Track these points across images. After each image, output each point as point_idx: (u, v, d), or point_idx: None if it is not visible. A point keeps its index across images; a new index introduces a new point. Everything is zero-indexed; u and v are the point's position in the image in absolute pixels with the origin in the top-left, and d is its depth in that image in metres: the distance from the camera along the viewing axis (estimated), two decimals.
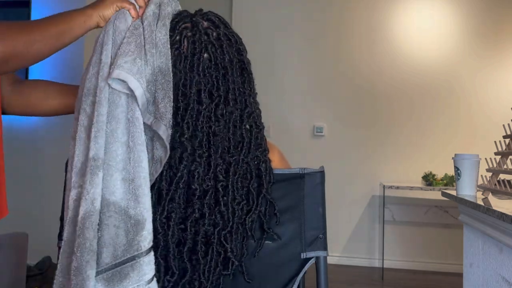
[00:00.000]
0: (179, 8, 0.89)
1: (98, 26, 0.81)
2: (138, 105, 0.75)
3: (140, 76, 0.74)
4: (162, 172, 0.78)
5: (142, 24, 0.80)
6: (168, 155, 0.76)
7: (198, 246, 0.78)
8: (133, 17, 0.80)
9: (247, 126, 0.85)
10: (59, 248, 0.90)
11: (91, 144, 0.71)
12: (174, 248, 0.77)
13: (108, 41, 0.77)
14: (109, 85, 0.74)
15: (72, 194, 0.73)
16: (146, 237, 0.72)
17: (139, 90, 0.74)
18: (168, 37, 0.81)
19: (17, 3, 3.28)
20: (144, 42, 0.78)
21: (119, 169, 0.73)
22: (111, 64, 0.75)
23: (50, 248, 2.54)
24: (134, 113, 0.75)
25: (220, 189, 0.79)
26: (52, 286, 0.73)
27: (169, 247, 0.77)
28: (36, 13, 3.24)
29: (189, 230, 0.77)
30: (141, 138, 0.74)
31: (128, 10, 0.80)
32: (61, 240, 0.89)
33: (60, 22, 0.76)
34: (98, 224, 0.70)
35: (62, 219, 0.90)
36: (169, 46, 0.81)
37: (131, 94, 0.75)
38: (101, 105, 0.73)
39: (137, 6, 0.82)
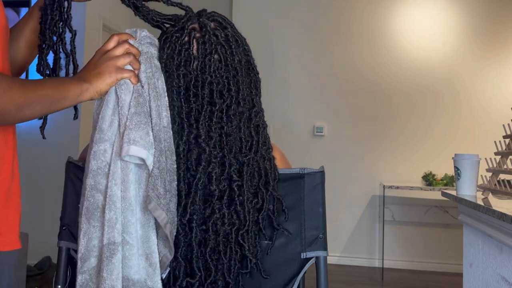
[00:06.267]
0: (156, 43, 0.85)
1: (91, 99, 0.78)
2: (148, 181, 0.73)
3: (151, 150, 0.73)
4: (179, 174, 0.79)
5: (143, 86, 0.77)
6: (173, 254, 0.75)
7: (220, 246, 0.79)
8: (133, 83, 0.77)
9: (255, 125, 0.86)
10: (59, 248, 0.90)
11: (106, 229, 0.70)
12: (198, 249, 0.78)
13: (113, 115, 0.74)
14: (120, 161, 0.72)
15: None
16: None
17: (151, 166, 0.73)
18: (164, 83, 0.80)
19: (17, 3, 3.28)
20: (150, 110, 0.76)
21: (137, 247, 0.72)
22: (122, 137, 0.72)
23: (50, 248, 2.54)
24: (140, 189, 0.74)
25: (235, 189, 0.80)
26: (52, 286, 0.74)
27: (192, 249, 0.78)
28: None
29: (211, 230, 0.78)
30: (149, 214, 0.73)
31: (129, 79, 0.77)
32: (61, 240, 0.90)
33: (56, 91, 0.73)
34: None
35: (62, 219, 0.90)
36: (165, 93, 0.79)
37: (139, 169, 0.74)
38: (115, 183, 0.71)
39: (135, 71, 0.78)
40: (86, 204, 0.72)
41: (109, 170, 0.72)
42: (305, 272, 0.87)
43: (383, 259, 3.65)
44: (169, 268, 0.77)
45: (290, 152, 1.21)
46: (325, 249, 0.88)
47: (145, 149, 0.71)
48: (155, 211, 0.71)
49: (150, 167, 0.72)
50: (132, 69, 0.78)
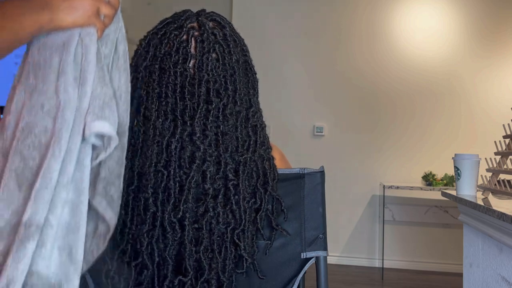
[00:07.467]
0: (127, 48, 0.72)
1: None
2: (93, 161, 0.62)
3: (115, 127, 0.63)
4: (169, 171, 0.78)
5: (104, 51, 0.65)
6: (110, 234, 0.65)
7: (214, 245, 0.79)
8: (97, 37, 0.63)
9: (253, 125, 0.86)
10: None
11: (29, 204, 0.54)
12: (191, 247, 0.78)
13: (72, 67, 0.59)
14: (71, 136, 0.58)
15: None
16: None
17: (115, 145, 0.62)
18: (129, 85, 0.71)
19: None
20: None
21: (58, 236, 0.57)
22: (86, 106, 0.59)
23: None
24: (84, 172, 0.60)
25: (231, 188, 0.80)
26: None
27: (185, 247, 0.77)
28: None
29: (204, 229, 0.78)
30: (86, 199, 0.60)
31: (96, 31, 0.61)
32: None
33: (7, 22, 0.54)
34: None
35: None
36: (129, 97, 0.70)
37: (88, 146, 0.60)
38: (56, 158, 0.56)
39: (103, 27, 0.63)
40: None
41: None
42: (305, 272, 0.87)
43: (383, 259, 3.65)
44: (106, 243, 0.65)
45: (290, 152, 1.22)
46: (325, 249, 0.88)
47: (113, 127, 0.61)
48: (105, 213, 0.63)
49: (113, 147, 0.62)
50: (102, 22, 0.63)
